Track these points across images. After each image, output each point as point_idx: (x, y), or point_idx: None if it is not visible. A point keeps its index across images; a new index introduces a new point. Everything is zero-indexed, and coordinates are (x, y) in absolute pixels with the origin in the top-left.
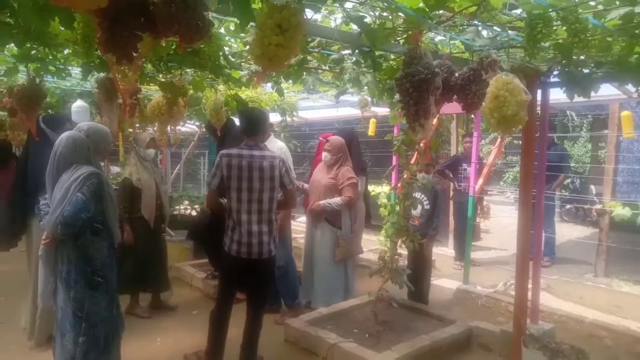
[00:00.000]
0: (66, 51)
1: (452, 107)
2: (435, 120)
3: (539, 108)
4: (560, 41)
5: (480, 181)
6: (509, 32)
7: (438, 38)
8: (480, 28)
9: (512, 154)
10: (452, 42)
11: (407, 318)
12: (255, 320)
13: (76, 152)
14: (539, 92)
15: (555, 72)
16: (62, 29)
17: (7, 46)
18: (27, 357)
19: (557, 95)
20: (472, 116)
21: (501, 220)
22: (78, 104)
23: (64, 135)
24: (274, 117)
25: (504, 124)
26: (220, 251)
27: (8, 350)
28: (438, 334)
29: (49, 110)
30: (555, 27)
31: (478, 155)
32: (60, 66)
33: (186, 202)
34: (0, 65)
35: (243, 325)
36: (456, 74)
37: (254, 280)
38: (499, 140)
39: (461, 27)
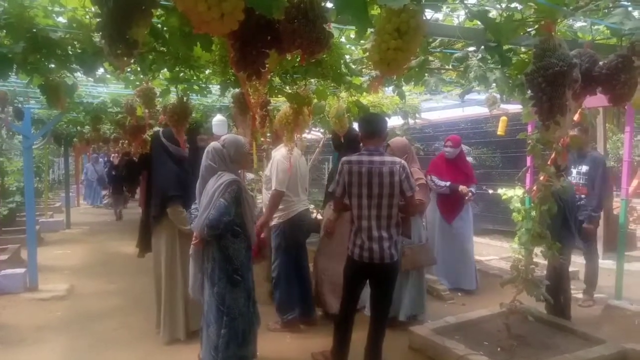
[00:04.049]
0: (207, 71)
1: (598, 100)
2: (576, 116)
3: None
4: None
5: (635, 182)
6: None
7: (578, 24)
8: (630, 8)
9: None
10: (594, 27)
11: (545, 334)
12: (379, 324)
13: (217, 161)
14: None
15: None
16: (203, 52)
17: (161, 71)
18: (161, 350)
19: None
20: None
21: None
22: (218, 118)
23: (208, 147)
24: (396, 120)
25: None
26: None
27: (143, 344)
28: (583, 354)
29: (196, 123)
30: None
31: (630, 153)
32: (203, 85)
33: (312, 206)
34: (157, 87)
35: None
36: (600, 63)
37: (377, 284)
38: None
39: (605, 10)
